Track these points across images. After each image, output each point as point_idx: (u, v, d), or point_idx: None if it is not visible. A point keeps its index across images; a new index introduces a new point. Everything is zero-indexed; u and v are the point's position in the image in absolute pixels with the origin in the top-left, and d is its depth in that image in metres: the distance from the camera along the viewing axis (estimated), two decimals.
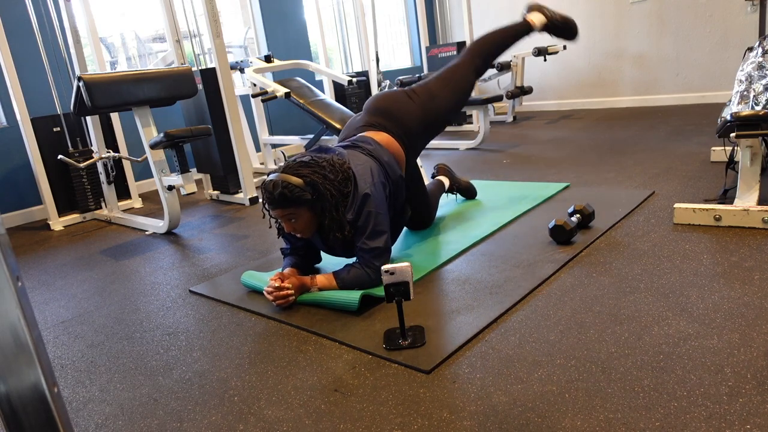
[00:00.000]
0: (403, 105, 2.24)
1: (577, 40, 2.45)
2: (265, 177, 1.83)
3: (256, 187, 3.67)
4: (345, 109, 4.13)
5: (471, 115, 6.16)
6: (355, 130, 2.20)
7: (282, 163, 1.85)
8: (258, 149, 5.07)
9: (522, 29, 2.43)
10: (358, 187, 1.82)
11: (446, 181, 2.77)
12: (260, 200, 1.88)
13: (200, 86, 3.54)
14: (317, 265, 2.17)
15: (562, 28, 2.43)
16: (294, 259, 2.03)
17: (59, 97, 3.86)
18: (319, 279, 1.88)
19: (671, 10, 5.31)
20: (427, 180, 2.86)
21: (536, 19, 2.42)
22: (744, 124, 1.97)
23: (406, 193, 2.12)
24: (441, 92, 2.30)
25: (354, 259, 1.96)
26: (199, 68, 3.60)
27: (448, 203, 2.85)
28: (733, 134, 2.00)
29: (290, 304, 1.84)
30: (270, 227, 2.11)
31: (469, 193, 2.87)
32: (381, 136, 2.11)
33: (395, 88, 4.56)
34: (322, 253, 2.17)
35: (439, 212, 2.67)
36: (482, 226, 2.42)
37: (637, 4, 5.49)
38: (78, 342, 1.85)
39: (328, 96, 4.74)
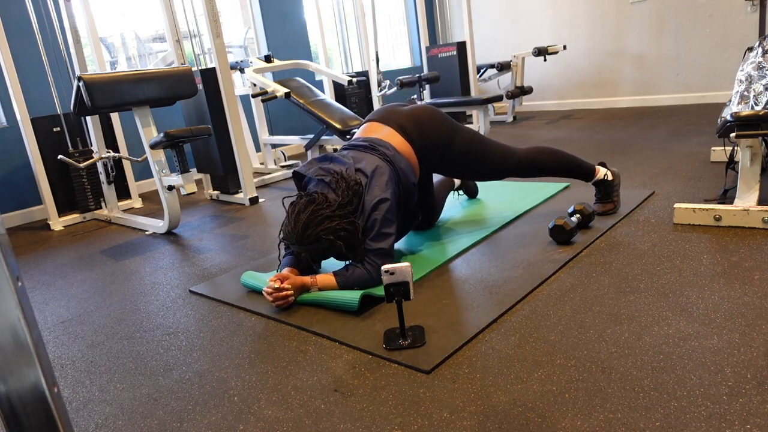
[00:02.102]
0: (440, 132, 2.17)
1: (613, 212, 2.36)
2: (279, 233, 1.90)
3: (256, 187, 3.66)
4: (345, 109, 4.14)
5: (471, 115, 6.16)
6: (387, 118, 2.18)
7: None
8: (258, 149, 5.07)
9: (585, 170, 2.36)
10: (371, 191, 1.84)
11: (457, 180, 2.78)
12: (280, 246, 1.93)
13: (200, 86, 3.54)
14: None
15: (608, 192, 2.37)
16: (293, 258, 2.03)
17: (59, 97, 3.86)
18: (319, 279, 1.88)
19: (671, 10, 5.31)
20: (436, 177, 2.87)
21: (602, 170, 2.37)
22: (744, 124, 1.97)
23: (418, 197, 2.13)
24: (474, 152, 2.21)
25: None
26: (199, 68, 3.60)
27: (448, 203, 2.85)
28: (733, 134, 2.00)
29: (290, 304, 1.84)
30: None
31: (472, 192, 2.89)
32: (402, 145, 2.10)
33: (394, 87, 4.57)
34: None
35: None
36: (482, 226, 2.42)
37: (637, 4, 5.49)
38: (78, 342, 1.85)
39: (328, 96, 4.74)
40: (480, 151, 2.22)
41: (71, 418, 1.40)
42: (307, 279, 1.88)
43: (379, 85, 4.84)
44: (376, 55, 4.79)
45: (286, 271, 1.95)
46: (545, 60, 5.73)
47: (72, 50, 3.65)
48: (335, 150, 4.57)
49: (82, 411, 1.43)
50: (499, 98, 4.78)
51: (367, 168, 1.91)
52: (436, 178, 2.70)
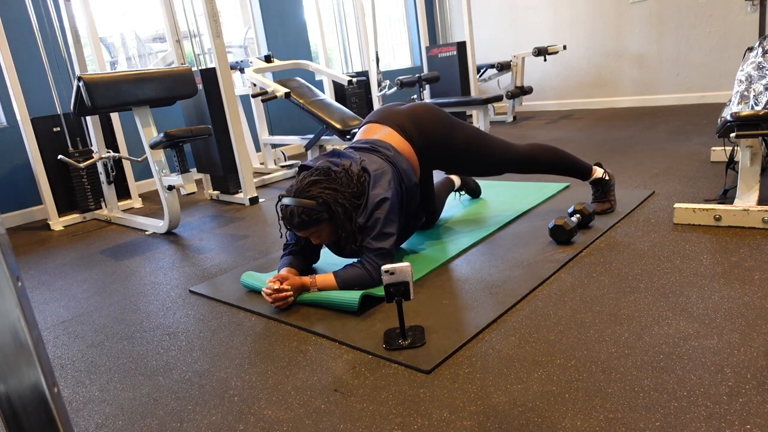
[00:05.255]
0: (440, 130, 2.19)
1: (610, 211, 2.37)
2: (277, 197, 1.92)
3: (256, 187, 3.67)
4: (345, 109, 4.14)
5: (471, 115, 6.16)
6: (385, 119, 2.19)
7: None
8: (258, 149, 5.07)
9: (582, 169, 2.38)
10: (373, 191, 1.85)
11: (457, 180, 2.78)
12: (279, 221, 1.96)
13: (200, 86, 3.54)
14: (315, 265, 2.17)
15: (605, 191, 2.39)
16: (291, 258, 2.03)
17: (59, 97, 3.86)
18: (319, 279, 1.88)
19: (671, 10, 5.31)
20: (437, 178, 2.86)
21: (598, 170, 2.39)
22: (744, 124, 1.97)
23: (420, 198, 2.14)
24: (474, 147, 2.24)
25: (354, 259, 1.97)
26: (199, 68, 3.60)
27: (449, 203, 2.85)
28: (733, 134, 2.00)
29: (289, 305, 1.84)
30: (281, 237, 2.16)
31: (474, 192, 2.90)
32: (402, 144, 2.11)
33: (394, 87, 4.57)
34: (321, 253, 2.18)
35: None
36: (482, 226, 2.42)
37: (637, 4, 5.49)
38: (78, 342, 1.85)
39: (328, 96, 4.74)
40: (480, 148, 2.25)
41: (71, 418, 1.40)
42: (307, 279, 1.88)
43: (379, 85, 4.84)
44: (376, 55, 4.79)
45: (284, 271, 1.95)
46: (545, 60, 5.73)
47: (72, 50, 3.65)
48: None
49: (82, 411, 1.43)
50: (499, 98, 4.78)
51: (371, 167, 1.91)
52: (437, 178, 2.71)
